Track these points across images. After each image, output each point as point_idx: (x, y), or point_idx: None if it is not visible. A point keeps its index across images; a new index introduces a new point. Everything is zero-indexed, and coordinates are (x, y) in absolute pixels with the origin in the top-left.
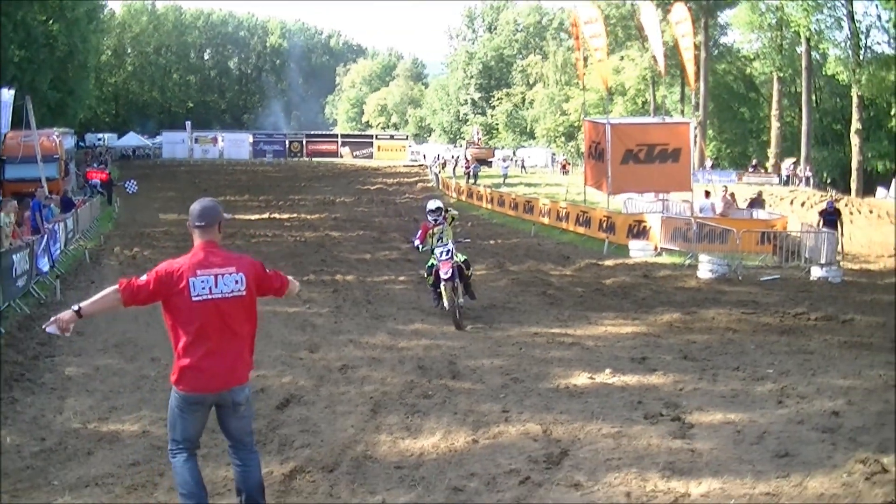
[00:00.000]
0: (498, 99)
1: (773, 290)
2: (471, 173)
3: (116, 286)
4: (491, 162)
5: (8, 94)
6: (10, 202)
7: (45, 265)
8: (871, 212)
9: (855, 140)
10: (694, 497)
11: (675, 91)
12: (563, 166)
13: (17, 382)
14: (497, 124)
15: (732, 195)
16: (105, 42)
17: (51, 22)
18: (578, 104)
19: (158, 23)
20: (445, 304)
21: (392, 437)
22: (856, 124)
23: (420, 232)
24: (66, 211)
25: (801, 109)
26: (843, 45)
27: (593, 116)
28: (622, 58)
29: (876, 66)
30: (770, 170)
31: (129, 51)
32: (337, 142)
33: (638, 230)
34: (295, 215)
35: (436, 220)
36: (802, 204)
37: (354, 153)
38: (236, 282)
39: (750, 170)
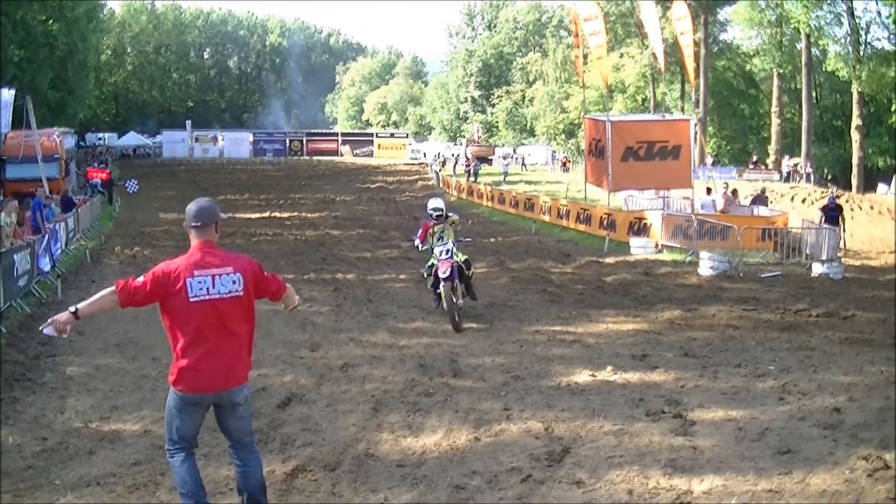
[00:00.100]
0: (498, 97)
1: (774, 287)
2: (471, 171)
3: (113, 287)
4: (491, 160)
5: (8, 93)
6: (10, 202)
7: (46, 265)
8: (871, 208)
9: (855, 136)
10: (696, 494)
11: (675, 88)
12: (564, 164)
13: (19, 382)
14: (497, 122)
15: (735, 191)
16: (105, 41)
17: (50, 21)
18: (578, 102)
19: (158, 22)
20: (444, 304)
21: (394, 435)
22: (856, 120)
23: (420, 230)
24: (67, 210)
25: (801, 106)
26: (843, 41)
27: (593, 114)
28: (622, 55)
29: (876, 62)
30: (770, 166)
31: (129, 50)
32: (337, 140)
33: (638, 227)
34: (295, 214)
35: (437, 217)
36: (803, 200)
37: (355, 152)
38: (234, 282)
39: (750, 166)
